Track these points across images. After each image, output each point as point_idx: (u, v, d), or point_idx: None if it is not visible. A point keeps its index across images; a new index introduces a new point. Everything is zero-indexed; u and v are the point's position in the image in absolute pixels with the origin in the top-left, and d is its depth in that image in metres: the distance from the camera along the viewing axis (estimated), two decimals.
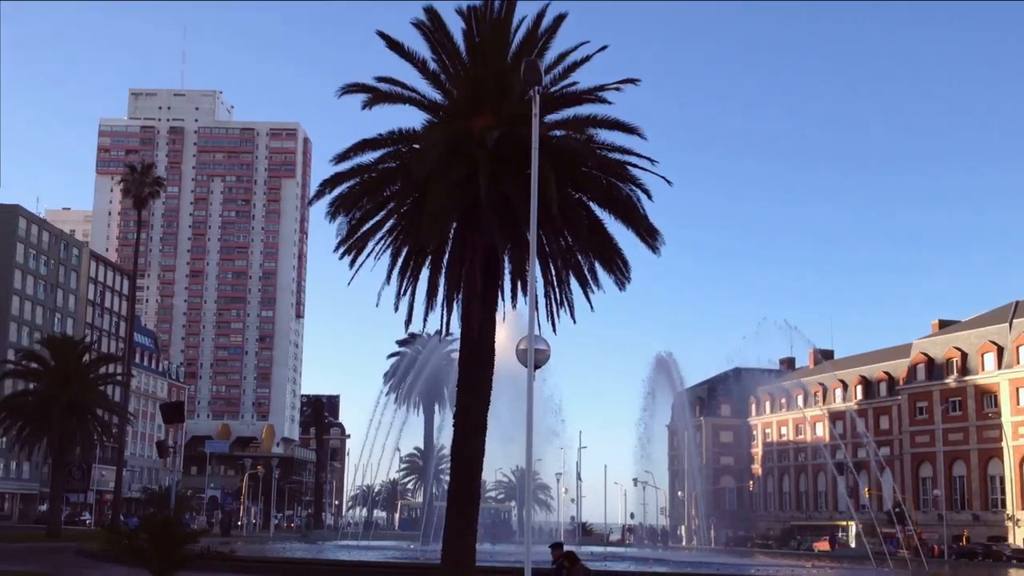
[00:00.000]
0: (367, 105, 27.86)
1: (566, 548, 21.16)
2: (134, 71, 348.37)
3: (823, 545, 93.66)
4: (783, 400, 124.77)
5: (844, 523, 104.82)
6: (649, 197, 27.52)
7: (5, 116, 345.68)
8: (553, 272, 28.51)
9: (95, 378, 79.84)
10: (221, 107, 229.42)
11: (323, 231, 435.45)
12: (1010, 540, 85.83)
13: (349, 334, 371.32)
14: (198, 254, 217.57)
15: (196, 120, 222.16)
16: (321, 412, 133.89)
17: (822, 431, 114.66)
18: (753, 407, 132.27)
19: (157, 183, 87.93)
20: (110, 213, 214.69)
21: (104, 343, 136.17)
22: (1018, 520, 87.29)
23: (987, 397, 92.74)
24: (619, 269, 28.48)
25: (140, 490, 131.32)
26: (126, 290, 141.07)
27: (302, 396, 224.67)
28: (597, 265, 28.44)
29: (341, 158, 28.34)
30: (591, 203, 28.17)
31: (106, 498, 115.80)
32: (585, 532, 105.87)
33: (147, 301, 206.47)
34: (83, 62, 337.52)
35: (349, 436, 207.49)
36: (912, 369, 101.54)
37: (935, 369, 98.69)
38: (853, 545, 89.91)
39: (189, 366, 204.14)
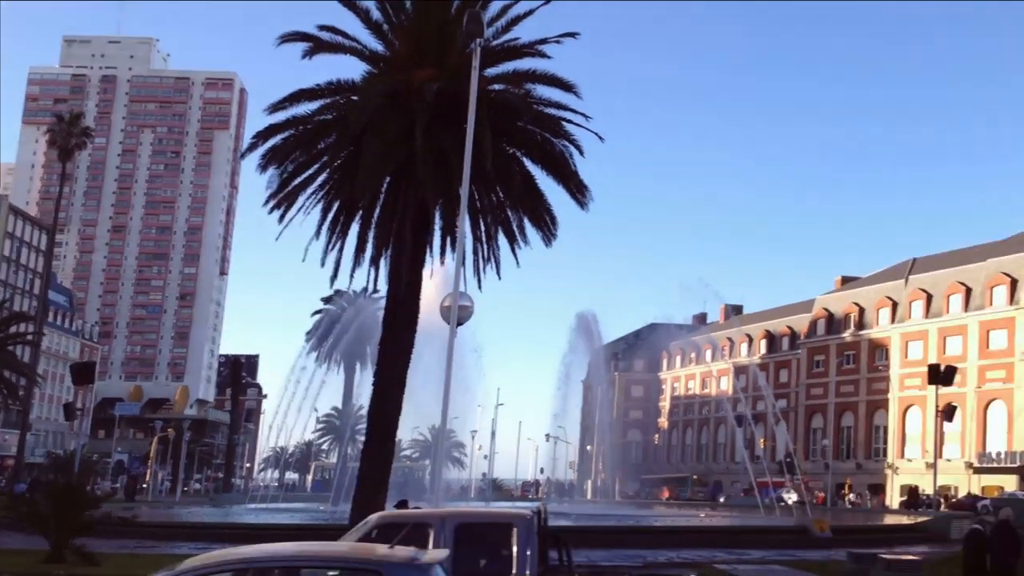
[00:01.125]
0: (307, 54, 27.53)
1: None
2: (70, 19, 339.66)
3: (662, 495, 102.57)
4: (693, 355, 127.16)
5: (688, 475, 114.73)
6: (581, 153, 27.77)
7: None
8: (483, 227, 28.41)
9: (3, 338, 77.73)
10: (157, 56, 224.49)
11: (255, 186, 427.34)
12: (887, 488, 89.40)
13: (273, 293, 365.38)
14: (122, 208, 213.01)
15: (130, 69, 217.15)
16: (239, 372, 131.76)
17: (727, 385, 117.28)
18: (665, 362, 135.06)
19: (85, 133, 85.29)
20: (33, 165, 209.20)
21: (17, 301, 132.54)
22: (896, 468, 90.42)
23: (879, 351, 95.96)
24: (547, 225, 28.56)
25: (44, 455, 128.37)
26: (44, 246, 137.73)
27: (220, 356, 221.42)
28: (526, 220, 28.48)
29: (276, 108, 27.89)
30: (524, 158, 28.22)
31: (7, 463, 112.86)
32: (496, 488, 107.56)
33: (65, 257, 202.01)
34: (17, 9, 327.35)
35: (266, 396, 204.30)
36: (813, 324, 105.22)
37: (834, 324, 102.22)
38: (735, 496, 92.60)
39: (104, 325, 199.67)
